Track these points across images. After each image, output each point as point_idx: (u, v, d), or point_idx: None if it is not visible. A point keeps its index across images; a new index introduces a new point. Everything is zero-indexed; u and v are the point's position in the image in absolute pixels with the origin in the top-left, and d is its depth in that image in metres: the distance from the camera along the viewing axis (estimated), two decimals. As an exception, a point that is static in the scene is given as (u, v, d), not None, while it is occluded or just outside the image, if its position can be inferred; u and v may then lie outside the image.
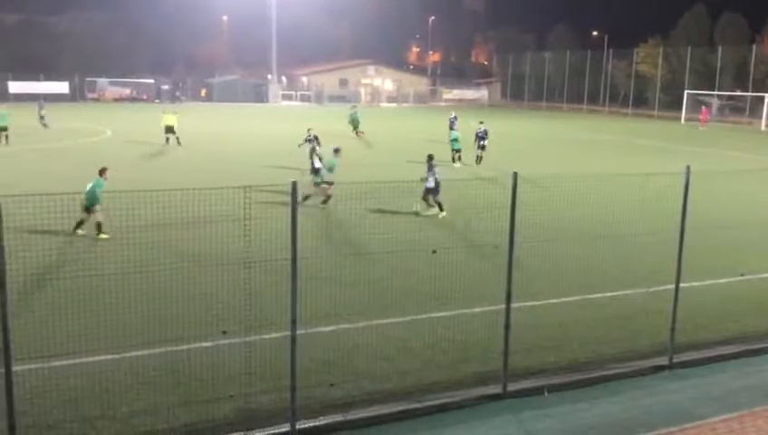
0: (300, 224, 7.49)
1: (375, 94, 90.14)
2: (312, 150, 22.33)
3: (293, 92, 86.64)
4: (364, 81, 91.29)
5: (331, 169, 19.87)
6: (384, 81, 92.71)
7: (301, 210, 7.73)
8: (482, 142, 28.81)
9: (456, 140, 28.85)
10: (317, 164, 20.56)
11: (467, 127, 36.31)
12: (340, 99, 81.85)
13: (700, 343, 10.27)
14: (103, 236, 15.25)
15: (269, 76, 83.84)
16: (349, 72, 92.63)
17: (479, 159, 28.82)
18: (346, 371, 8.95)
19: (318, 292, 11.13)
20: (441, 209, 18.56)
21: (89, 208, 15.50)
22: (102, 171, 16.10)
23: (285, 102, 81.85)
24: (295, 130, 30.89)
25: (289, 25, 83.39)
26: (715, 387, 9.11)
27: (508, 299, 8.83)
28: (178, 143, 33.18)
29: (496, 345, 8.97)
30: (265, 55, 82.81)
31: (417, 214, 18.26)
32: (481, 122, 30.29)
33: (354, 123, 39.85)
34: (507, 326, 8.78)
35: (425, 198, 18.83)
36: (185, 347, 9.16)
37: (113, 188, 13.54)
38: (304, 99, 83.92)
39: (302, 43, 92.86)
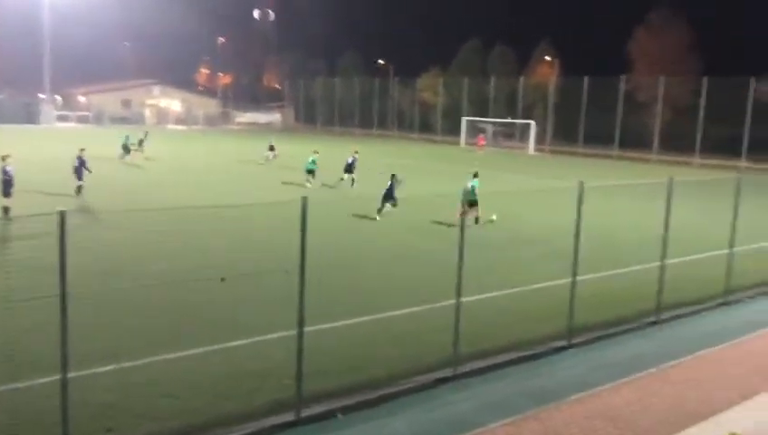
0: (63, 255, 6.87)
1: (161, 116, 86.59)
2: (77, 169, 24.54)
3: (70, 113, 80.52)
4: (149, 101, 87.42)
5: None
6: (171, 102, 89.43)
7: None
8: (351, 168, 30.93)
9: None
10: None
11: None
12: (123, 120, 77.59)
13: (480, 354, 10.93)
14: None
15: (41, 95, 77.14)
16: (132, 91, 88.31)
17: (352, 182, 30.57)
18: (127, 413, 8.32)
19: (96, 328, 10.31)
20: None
21: None
22: None
23: (61, 124, 75.70)
24: (61, 153, 28.38)
25: (64, 42, 77.67)
26: (494, 394, 9.72)
27: (300, 324, 8.77)
28: None
29: (290, 372, 8.86)
30: (36, 73, 76.11)
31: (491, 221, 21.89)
32: (356, 152, 32.33)
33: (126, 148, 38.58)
34: (300, 351, 8.71)
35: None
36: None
37: None
38: (82, 120, 78.28)
39: (80, 61, 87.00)
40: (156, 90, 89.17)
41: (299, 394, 8.60)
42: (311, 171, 31.19)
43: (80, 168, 24.91)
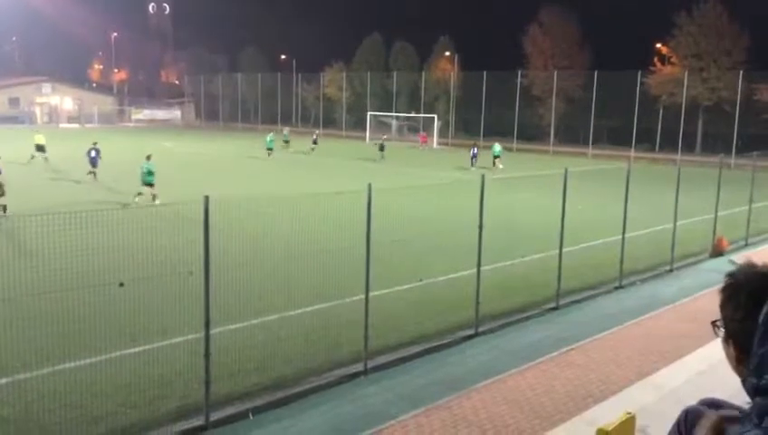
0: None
1: (53, 114, 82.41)
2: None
3: (-49, 113, 75.43)
4: (39, 99, 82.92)
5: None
6: (63, 99, 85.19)
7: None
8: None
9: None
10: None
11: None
12: (13, 120, 73.43)
13: (391, 347, 11.05)
14: (158, 201, 23.16)
15: None
16: (20, 89, 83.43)
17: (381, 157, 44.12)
18: (25, 425, 7.92)
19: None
20: None
21: (149, 184, 24.18)
22: (149, 156, 24.85)
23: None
24: None
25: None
26: (404, 386, 9.84)
27: (207, 326, 8.58)
28: (46, 160, 36.00)
29: (198, 376, 8.66)
30: None
31: None
32: (385, 136, 42.69)
33: None
34: (207, 354, 8.53)
35: None
36: None
37: None
38: (-34, 120, 73.48)
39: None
40: (47, 87, 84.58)
41: (207, 398, 8.42)
42: (270, 149, 44.54)
43: (95, 157, 29.92)
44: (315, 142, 51.45)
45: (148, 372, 9.54)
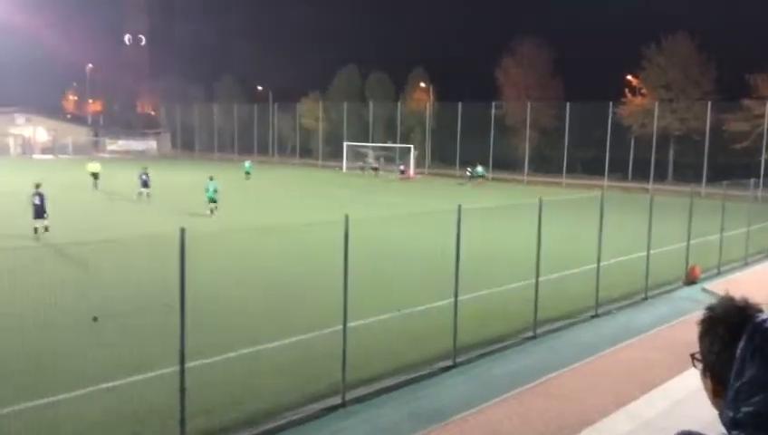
0: None
1: (27, 145, 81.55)
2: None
3: None
4: (13, 130, 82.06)
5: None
6: (37, 130, 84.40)
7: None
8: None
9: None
10: None
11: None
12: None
13: (368, 379, 10.98)
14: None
15: None
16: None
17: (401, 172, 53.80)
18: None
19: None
20: None
21: (213, 200, 29.33)
22: (212, 177, 29.99)
23: None
24: None
25: None
26: (382, 419, 9.77)
27: (182, 360, 8.49)
28: (97, 187, 39.96)
29: (173, 412, 8.52)
30: None
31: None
32: (402, 164, 49.99)
33: None
34: (183, 390, 8.42)
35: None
36: None
37: None
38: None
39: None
40: (20, 118, 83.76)
41: None
42: (248, 173, 49.77)
43: (146, 180, 33.49)
44: (377, 169, 60.18)
45: (121, 408, 9.39)
